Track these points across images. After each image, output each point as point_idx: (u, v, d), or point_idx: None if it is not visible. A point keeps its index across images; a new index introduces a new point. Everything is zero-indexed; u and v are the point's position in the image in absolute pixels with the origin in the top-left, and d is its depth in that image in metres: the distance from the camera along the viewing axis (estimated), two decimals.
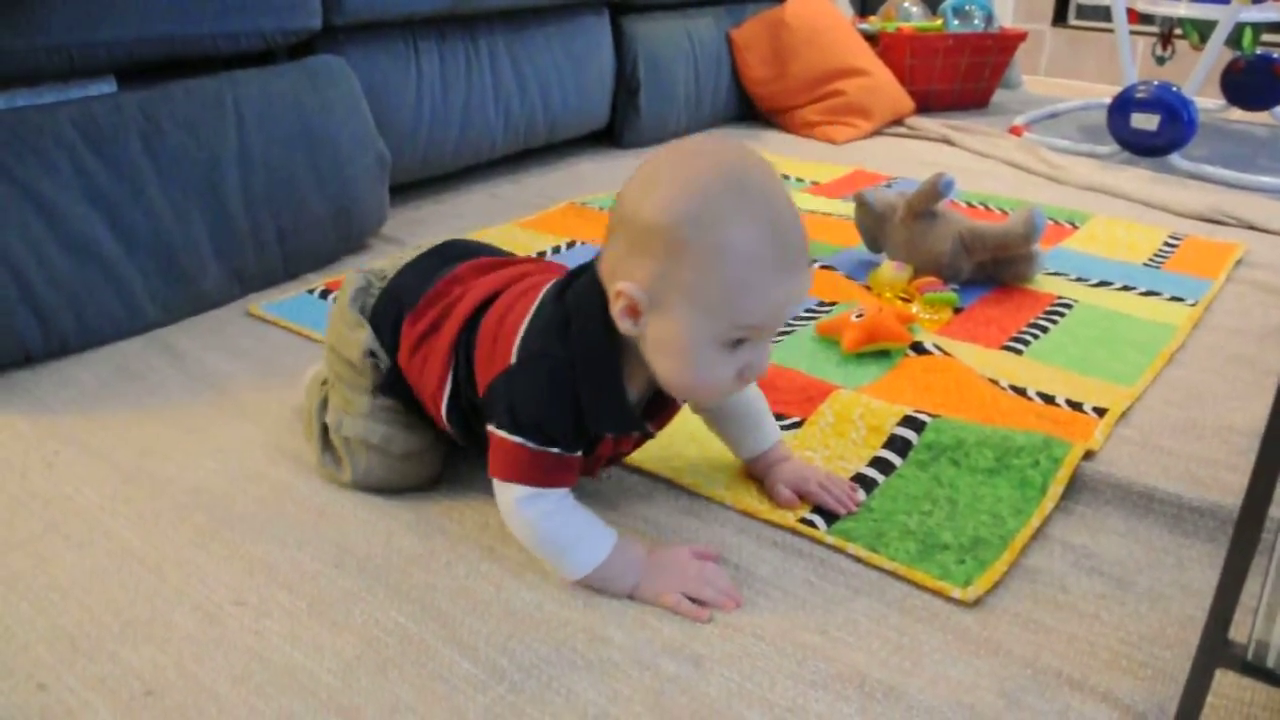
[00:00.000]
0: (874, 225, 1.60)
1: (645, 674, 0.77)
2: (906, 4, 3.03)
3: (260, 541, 0.93)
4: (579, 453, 0.86)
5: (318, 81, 1.62)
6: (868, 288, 1.53)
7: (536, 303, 0.87)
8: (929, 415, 1.11)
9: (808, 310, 1.44)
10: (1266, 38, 2.81)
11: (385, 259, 1.07)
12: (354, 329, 0.98)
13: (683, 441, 1.08)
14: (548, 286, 0.88)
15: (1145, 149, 2.27)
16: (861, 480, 1.02)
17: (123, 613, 0.84)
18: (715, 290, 0.76)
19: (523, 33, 2.14)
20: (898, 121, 2.74)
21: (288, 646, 0.80)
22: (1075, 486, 1.01)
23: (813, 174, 2.23)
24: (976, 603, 0.85)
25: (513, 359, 0.85)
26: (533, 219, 1.87)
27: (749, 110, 2.80)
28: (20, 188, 1.25)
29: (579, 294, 0.84)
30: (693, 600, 0.85)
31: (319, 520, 0.97)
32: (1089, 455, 1.06)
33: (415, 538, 0.94)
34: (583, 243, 1.73)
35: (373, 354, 0.97)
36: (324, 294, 1.50)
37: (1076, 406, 1.16)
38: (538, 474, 0.84)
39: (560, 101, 2.24)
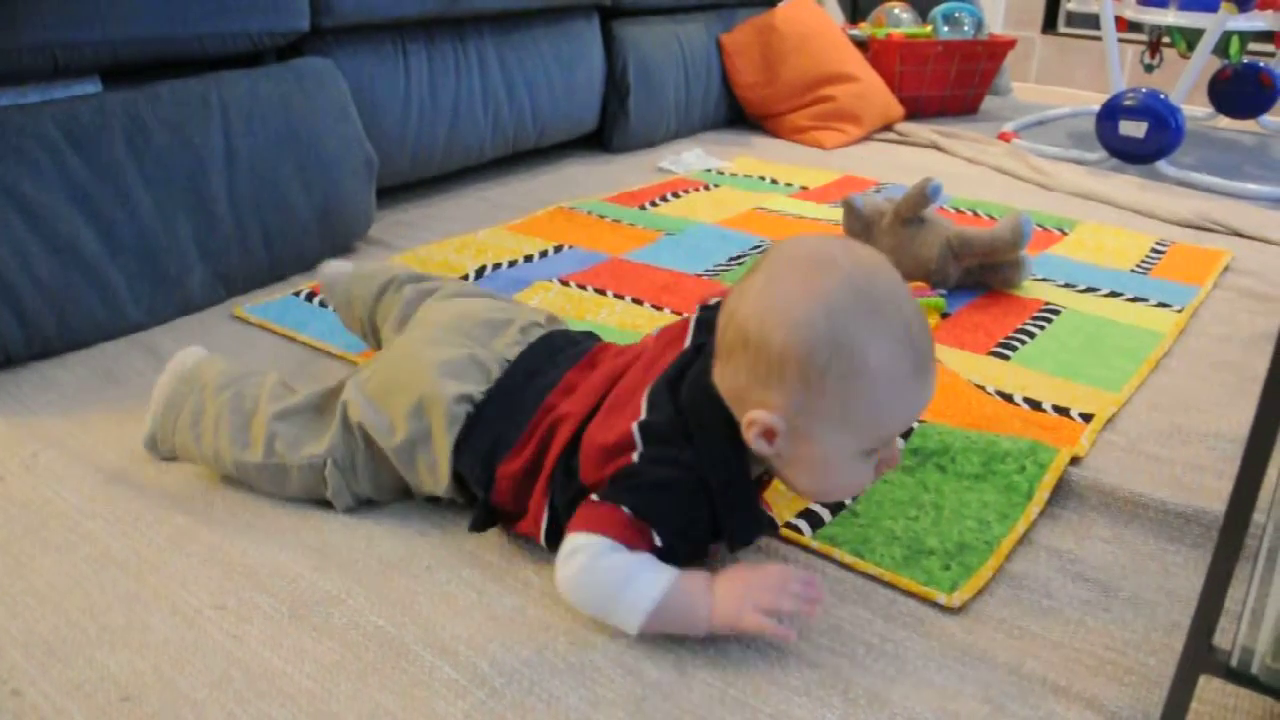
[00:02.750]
0: (862, 230, 1.59)
1: (628, 679, 0.77)
2: (897, 10, 3.04)
3: (240, 545, 0.92)
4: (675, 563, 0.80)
5: (305, 83, 1.61)
6: None
7: (645, 402, 0.83)
8: (915, 420, 1.10)
9: None
10: (1253, 46, 2.82)
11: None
12: (439, 478, 0.92)
13: None
14: (650, 386, 0.84)
15: (1133, 156, 2.28)
16: None
17: (100, 617, 0.83)
18: (860, 414, 0.75)
19: (512, 36, 2.14)
20: (887, 127, 2.75)
21: (267, 651, 0.79)
22: (1061, 492, 1.01)
23: (802, 179, 2.23)
24: (962, 609, 0.85)
25: (635, 458, 0.80)
26: (521, 223, 1.86)
27: (738, 115, 2.80)
28: (2, 188, 1.24)
29: (695, 402, 0.80)
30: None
31: (300, 524, 0.96)
32: (1075, 461, 1.06)
33: (397, 542, 0.93)
34: (571, 247, 1.72)
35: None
36: (309, 296, 1.49)
37: (1063, 412, 1.16)
38: (624, 531, 0.77)
39: (549, 105, 2.23)
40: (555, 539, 0.83)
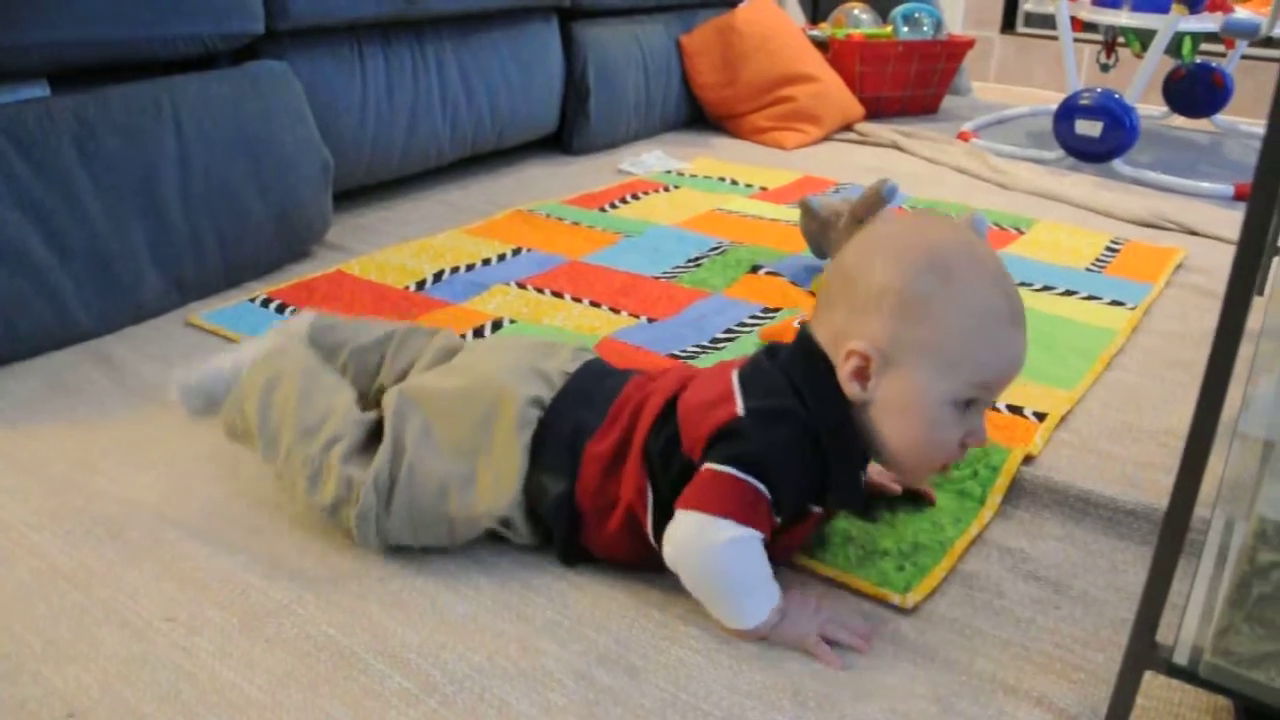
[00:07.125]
0: (818, 231, 1.60)
1: (580, 684, 0.77)
2: (856, 11, 3.05)
3: (192, 557, 0.91)
4: (779, 519, 0.81)
5: (260, 87, 1.60)
6: (812, 293, 1.53)
7: (739, 369, 0.84)
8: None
9: (752, 316, 1.44)
10: (1206, 47, 2.85)
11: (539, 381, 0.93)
12: (504, 486, 0.88)
13: None
14: (745, 361, 0.86)
15: (1089, 155, 2.30)
16: None
17: (46, 632, 0.82)
18: (955, 343, 0.76)
19: (470, 38, 2.13)
20: (848, 128, 2.76)
21: (217, 663, 0.79)
22: (1014, 491, 1.02)
23: (761, 179, 2.23)
24: (915, 609, 0.86)
25: (739, 410, 0.80)
26: (480, 226, 1.85)
27: (699, 116, 2.80)
28: None
29: (798, 360, 0.82)
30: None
31: (251, 536, 0.95)
32: (1028, 459, 1.07)
33: (349, 551, 0.92)
34: (529, 250, 1.72)
35: (506, 523, 0.89)
36: (265, 302, 1.48)
37: (1017, 411, 1.17)
38: (749, 512, 0.77)
39: (508, 107, 2.22)
40: (662, 523, 0.82)
